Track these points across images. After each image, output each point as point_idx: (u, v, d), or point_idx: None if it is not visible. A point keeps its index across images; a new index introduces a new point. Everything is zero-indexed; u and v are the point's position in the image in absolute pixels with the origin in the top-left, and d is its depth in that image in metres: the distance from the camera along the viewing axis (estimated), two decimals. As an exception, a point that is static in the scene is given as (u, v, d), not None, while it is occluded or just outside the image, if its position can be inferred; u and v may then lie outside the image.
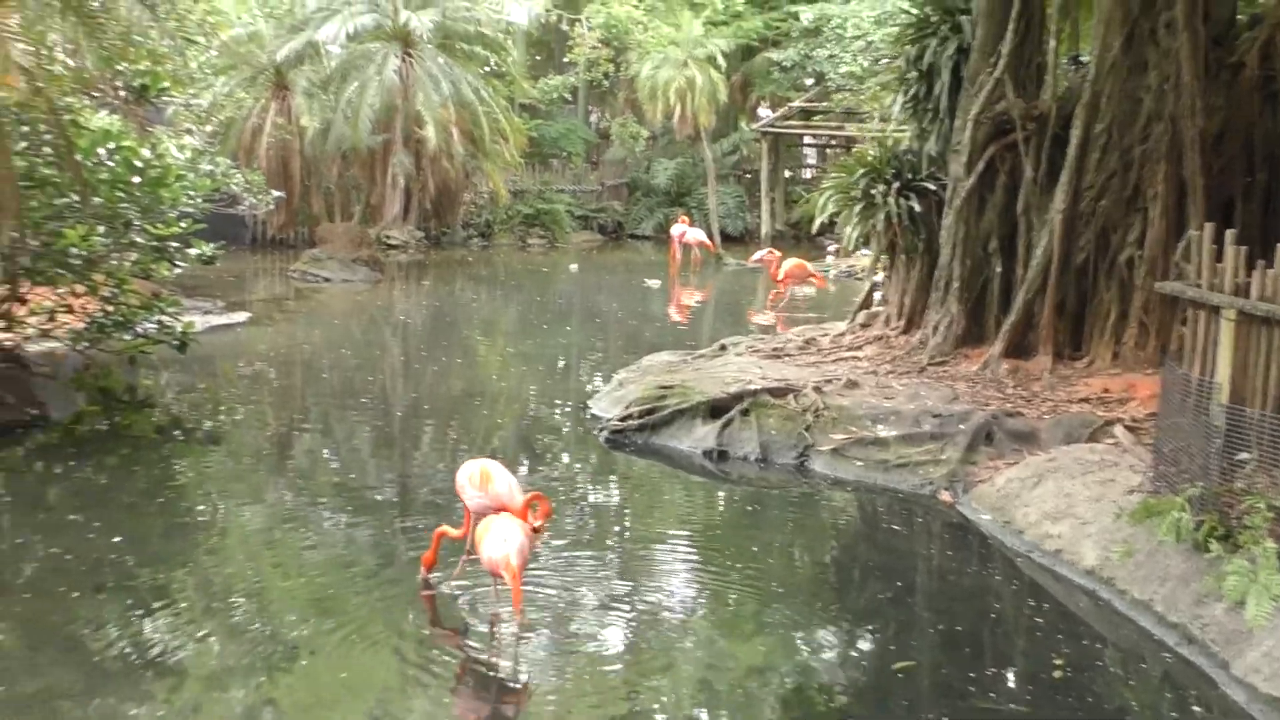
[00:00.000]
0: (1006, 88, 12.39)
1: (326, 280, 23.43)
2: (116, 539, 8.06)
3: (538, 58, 39.97)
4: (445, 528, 7.17)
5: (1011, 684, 6.24)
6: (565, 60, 36.37)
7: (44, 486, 9.47)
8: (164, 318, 12.71)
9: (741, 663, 6.40)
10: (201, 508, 9.06)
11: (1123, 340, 11.85)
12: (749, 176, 37.25)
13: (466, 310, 20.66)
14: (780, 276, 20.02)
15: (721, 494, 9.85)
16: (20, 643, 6.33)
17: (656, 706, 5.87)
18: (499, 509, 6.65)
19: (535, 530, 6.48)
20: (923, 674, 6.32)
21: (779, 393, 11.07)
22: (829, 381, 11.47)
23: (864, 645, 6.74)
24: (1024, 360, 12.11)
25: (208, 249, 13.24)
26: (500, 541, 6.04)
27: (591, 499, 9.58)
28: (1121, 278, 11.87)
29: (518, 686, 6.02)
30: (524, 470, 10.22)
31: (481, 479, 6.73)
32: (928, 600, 7.53)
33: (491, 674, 6.14)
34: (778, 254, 21.34)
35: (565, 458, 10.93)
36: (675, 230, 26.69)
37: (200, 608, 6.93)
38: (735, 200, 35.69)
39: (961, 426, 10.13)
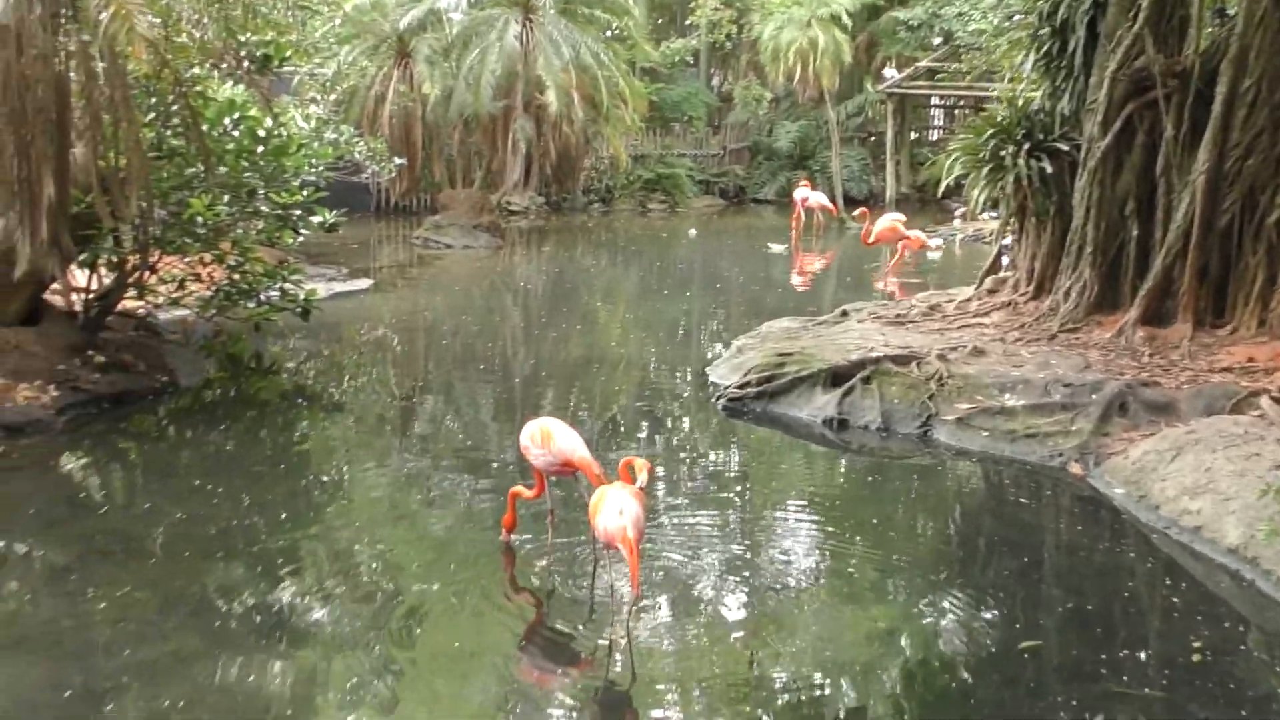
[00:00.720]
0: (1146, 43, 12.05)
1: (448, 246, 23.43)
2: (245, 503, 8.15)
3: (659, 21, 39.63)
4: (519, 488, 7.17)
5: (1146, 667, 6.04)
6: (687, 23, 36.04)
7: (174, 452, 9.62)
8: (287, 285, 12.75)
9: (861, 633, 6.32)
10: (326, 473, 9.11)
11: (1270, 307, 11.52)
12: (874, 139, 36.52)
13: (586, 276, 20.47)
14: (870, 239, 19.49)
15: (842, 463, 9.70)
16: (150, 607, 6.44)
17: (776, 673, 5.83)
18: (564, 464, 6.73)
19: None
20: (1050, 654, 6.16)
21: (902, 360, 10.85)
22: (954, 349, 11.17)
23: (989, 622, 6.56)
24: (1161, 328, 11.80)
25: (331, 216, 13.18)
26: (615, 514, 5.91)
27: (710, 466, 9.44)
28: (1270, 240, 11.50)
29: (635, 651, 5.99)
30: (641, 437, 10.17)
31: (543, 437, 6.73)
32: (1056, 577, 7.33)
33: (610, 639, 6.12)
34: (867, 212, 20.80)
35: (684, 424, 10.81)
36: (798, 194, 26.10)
37: (326, 571, 6.99)
38: (859, 163, 35.00)
39: (1094, 396, 9.84)
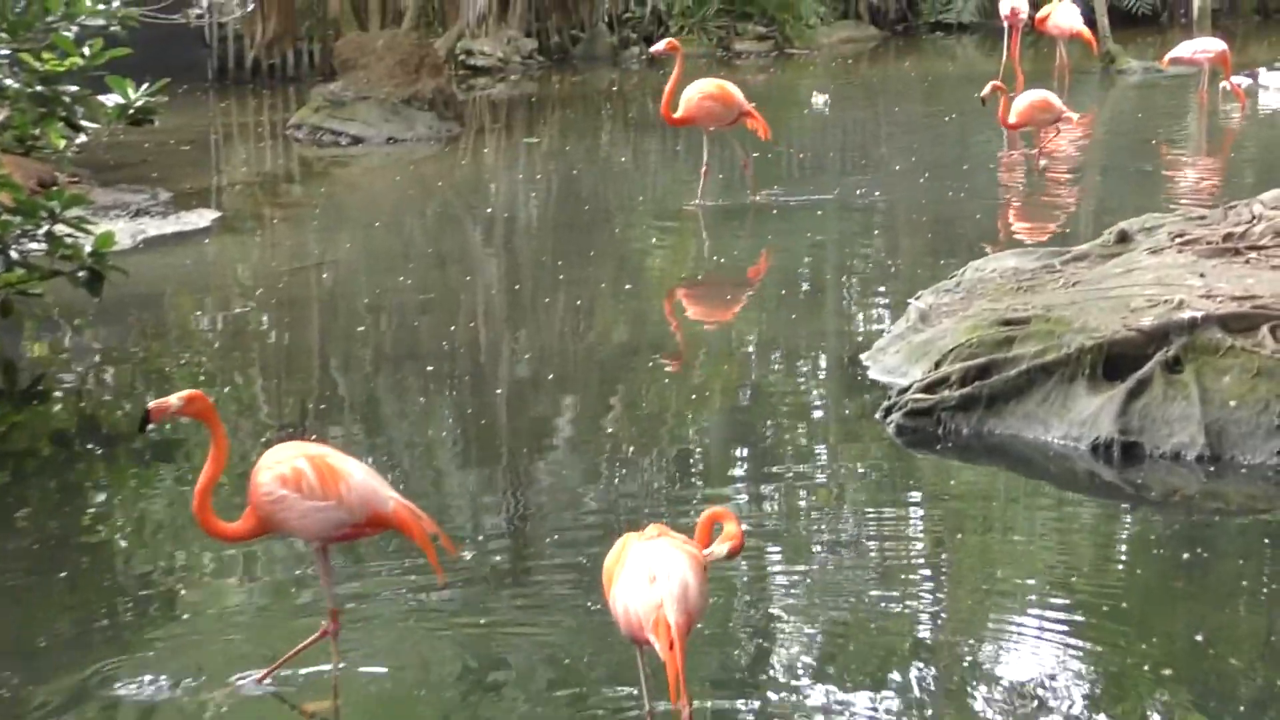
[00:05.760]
0: None
1: (356, 140, 18.67)
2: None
3: None
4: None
5: None
6: None
7: None
8: (59, 228, 10.29)
9: None
10: (126, 608, 7.13)
11: None
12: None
13: (620, 187, 16.55)
14: (1012, 119, 16.17)
15: (1128, 528, 8.11)
16: None
17: None
18: (371, 521, 5.82)
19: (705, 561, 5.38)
20: None
21: (1242, 324, 8.64)
22: None
23: None
24: None
25: (138, 94, 10.98)
26: (643, 585, 5.08)
27: (875, 550, 7.78)
28: None
29: None
30: (739, 490, 8.30)
31: (323, 476, 5.75)
32: None
33: None
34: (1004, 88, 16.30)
35: (821, 465, 8.76)
36: (1014, 7, 20.09)
37: None
38: None
39: None
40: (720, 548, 5.25)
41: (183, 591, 6.96)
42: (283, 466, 5.74)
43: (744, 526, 5.51)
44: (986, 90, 15.66)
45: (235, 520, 5.83)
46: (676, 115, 14.00)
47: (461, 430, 8.99)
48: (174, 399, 5.84)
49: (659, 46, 16.16)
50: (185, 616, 6.70)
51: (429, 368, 10.10)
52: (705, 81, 14.33)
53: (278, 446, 5.90)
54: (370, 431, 8.98)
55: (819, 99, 19.79)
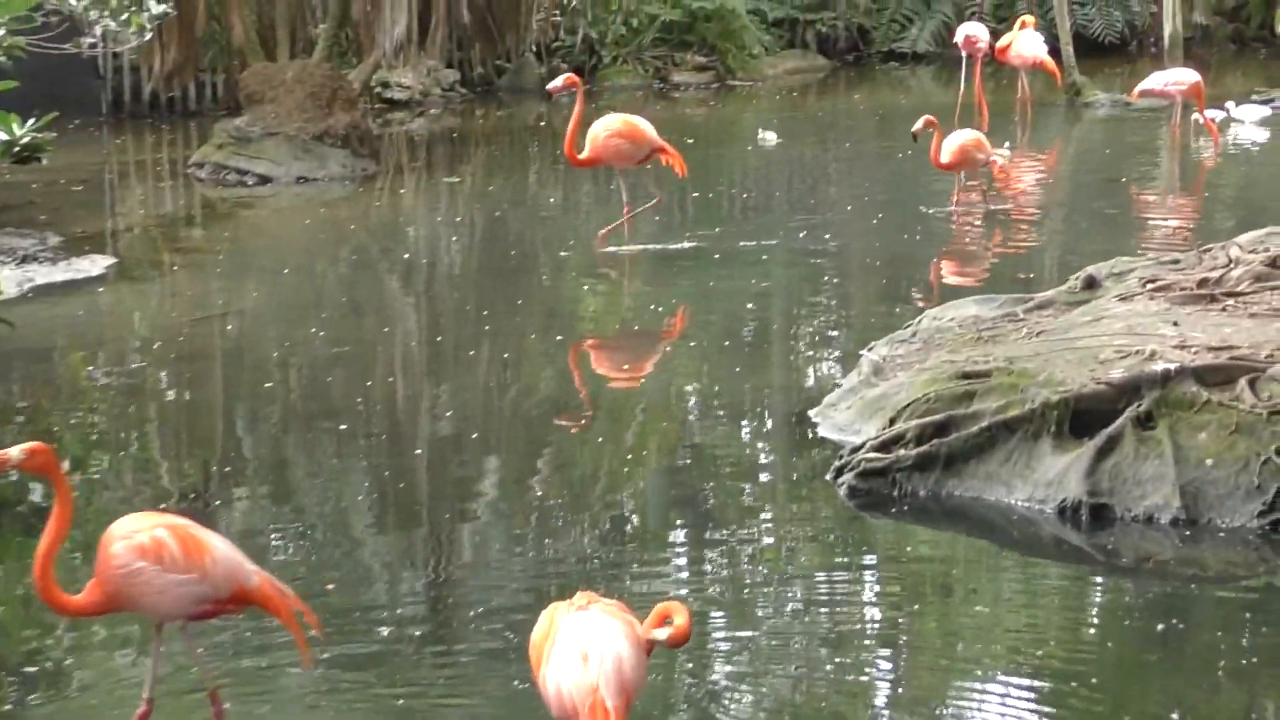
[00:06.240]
0: None
1: (264, 180, 18.15)
2: None
3: None
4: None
5: None
6: None
7: None
8: None
9: None
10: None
11: None
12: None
13: (548, 229, 16.09)
14: (944, 159, 16.01)
15: (1098, 597, 8.06)
16: None
17: None
18: (236, 597, 5.64)
19: (650, 645, 5.18)
20: None
21: (1218, 377, 8.53)
22: None
23: None
24: None
25: (23, 129, 11.48)
26: (576, 665, 5.00)
27: (829, 611, 7.71)
28: None
29: None
30: (679, 566, 8.19)
31: (186, 547, 5.57)
32: None
33: None
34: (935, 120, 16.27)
35: (768, 530, 8.58)
36: (964, 31, 19.55)
37: None
38: None
39: None
40: (661, 632, 5.12)
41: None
42: (140, 536, 5.57)
43: (686, 595, 5.71)
44: (919, 125, 15.04)
45: (79, 592, 5.66)
46: (582, 156, 13.60)
47: (378, 494, 8.81)
48: (14, 451, 5.60)
49: (556, 83, 15.57)
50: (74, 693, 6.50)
51: (342, 426, 9.82)
52: (611, 118, 13.96)
53: (129, 517, 5.69)
54: (278, 497, 8.81)
55: (767, 135, 19.22)
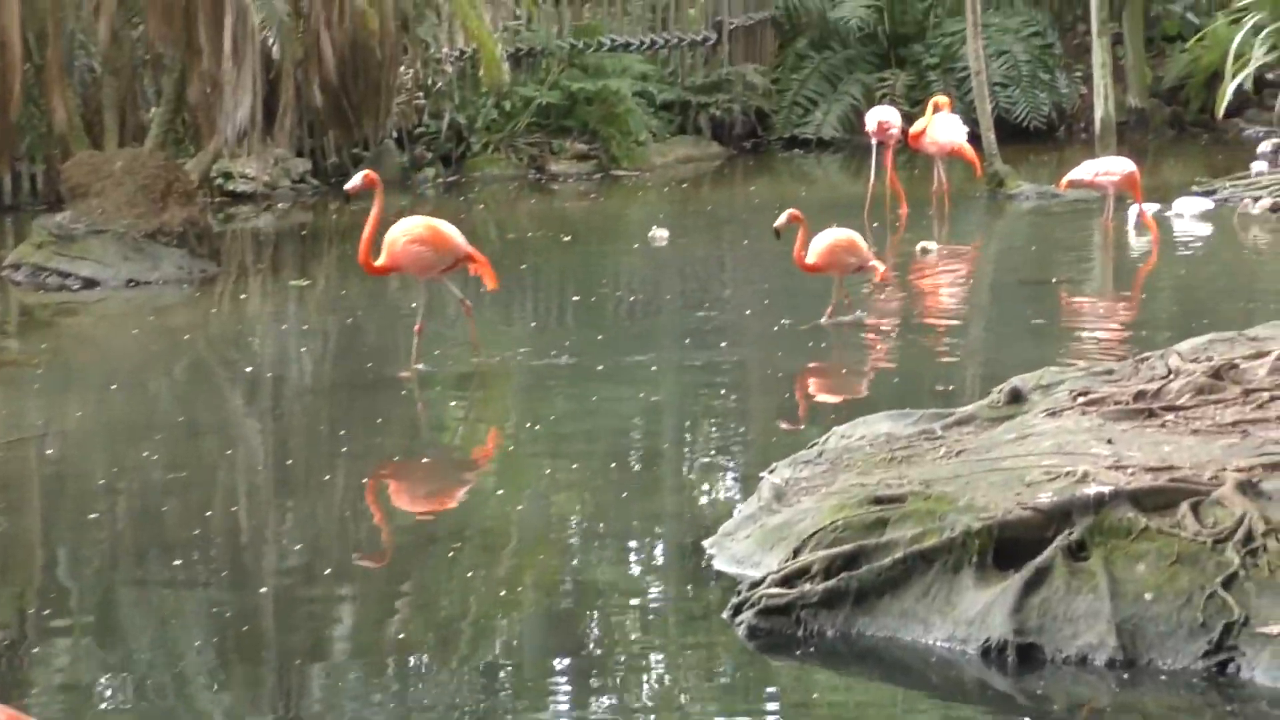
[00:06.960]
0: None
1: (89, 284, 17.54)
2: None
3: None
4: None
5: None
6: None
7: None
8: None
9: None
10: None
11: None
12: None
13: (409, 337, 14.97)
14: (810, 259, 15.57)
15: None
16: None
17: None
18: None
19: None
20: None
21: (1158, 501, 8.20)
22: (1276, 468, 8.45)
23: None
24: None
25: None
26: None
27: None
28: None
29: None
30: (561, 713, 7.89)
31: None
32: None
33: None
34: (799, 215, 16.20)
35: (658, 676, 8.21)
36: (873, 116, 18.95)
37: None
38: (1030, 51, 25.02)
39: None
40: None
41: None
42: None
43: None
44: (782, 220, 14.38)
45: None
46: (378, 263, 13.15)
47: (219, 638, 8.19)
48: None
49: (354, 182, 14.93)
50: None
51: (177, 562, 9.32)
52: (412, 221, 13.57)
53: None
54: (105, 644, 8.19)
55: (658, 234, 18.52)
